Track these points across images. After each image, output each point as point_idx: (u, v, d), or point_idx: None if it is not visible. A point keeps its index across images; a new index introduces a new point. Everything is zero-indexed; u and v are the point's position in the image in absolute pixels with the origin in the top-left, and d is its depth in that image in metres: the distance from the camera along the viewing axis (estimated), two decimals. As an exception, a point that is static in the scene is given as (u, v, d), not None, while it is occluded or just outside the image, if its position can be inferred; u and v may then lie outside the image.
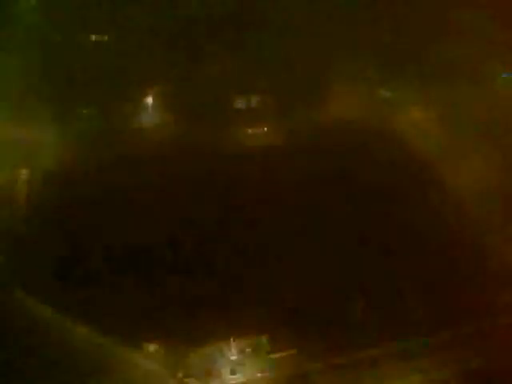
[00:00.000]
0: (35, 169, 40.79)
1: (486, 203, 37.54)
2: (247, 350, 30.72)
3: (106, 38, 48.12)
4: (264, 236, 35.02)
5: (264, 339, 31.13)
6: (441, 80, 45.74)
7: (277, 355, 30.53)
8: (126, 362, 29.86)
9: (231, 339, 30.76)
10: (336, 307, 31.79)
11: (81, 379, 28.75)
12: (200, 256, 33.74)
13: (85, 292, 31.08)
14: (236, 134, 45.10)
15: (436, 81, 45.88)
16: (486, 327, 31.59)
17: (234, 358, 30.42)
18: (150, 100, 46.89)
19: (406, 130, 43.69)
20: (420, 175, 40.60)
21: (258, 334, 31.06)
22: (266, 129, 46.04)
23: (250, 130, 45.68)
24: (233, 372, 30.00)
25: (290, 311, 31.29)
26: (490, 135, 40.98)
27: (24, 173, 40.51)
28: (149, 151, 42.28)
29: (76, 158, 42.02)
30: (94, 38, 47.86)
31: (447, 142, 42.32)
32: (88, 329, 30.35)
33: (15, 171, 40.43)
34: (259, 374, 30.09)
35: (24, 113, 43.93)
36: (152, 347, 30.47)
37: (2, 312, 30.53)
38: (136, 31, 47.19)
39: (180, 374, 29.81)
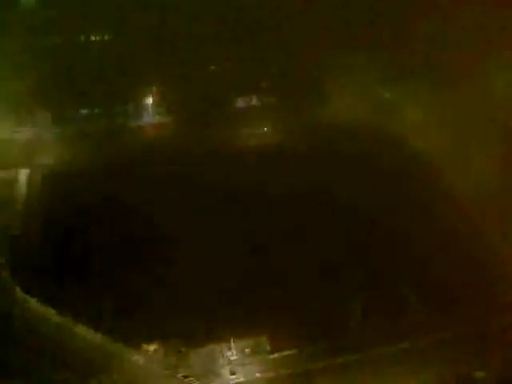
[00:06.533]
0: (35, 169, 41.41)
1: (487, 204, 38.00)
2: (247, 350, 30.97)
3: (106, 37, 49.33)
4: (263, 236, 35.06)
5: (264, 339, 31.60)
6: (441, 81, 47.24)
7: (277, 355, 30.98)
8: (125, 362, 30.21)
9: (231, 339, 31.23)
10: (336, 307, 32.36)
11: (81, 379, 29.16)
12: (200, 255, 33.75)
13: (84, 292, 31.47)
14: (236, 134, 46.17)
15: (437, 82, 47.39)
16: (486, 327, 32.08)
17: (234, 358, 30.65)
18: (149, 100, 47.98)
19: (406, 130, 44.69)
20: (421, 176, 41.04)
21: (257, 334, 31.44)
22: (265, 129, 47.06)
23: (250, 130, 46.83)
24: (233, 372, 30.19)
25: (290, 311, 31.77)
26: (489, 135, 41.80)
27: (24, 173, 41.37)
28: (148, 151, 42.67)
29: (76, 158, 42.44)
30: (94, 38, 49.02)
31: (447, 142, 43.17)
32: (88, 329, 30.83)
33: (15, 171, 41.07)
34: (259, 374, 30.46)
35: (24, 113, 45.06)
36: (152, 347, 30.96)
37: (2, 312, 30.92)
38: (136, 31, 48.60)
39: (180, 374, 30.27)
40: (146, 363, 29.93)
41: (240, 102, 46.71)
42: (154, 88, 46.43)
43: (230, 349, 30.37)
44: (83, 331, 30.21)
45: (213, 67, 47.53)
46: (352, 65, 45.37)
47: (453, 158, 41.02)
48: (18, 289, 31.82)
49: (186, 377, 29.72)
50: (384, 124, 44.19)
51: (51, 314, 30.71)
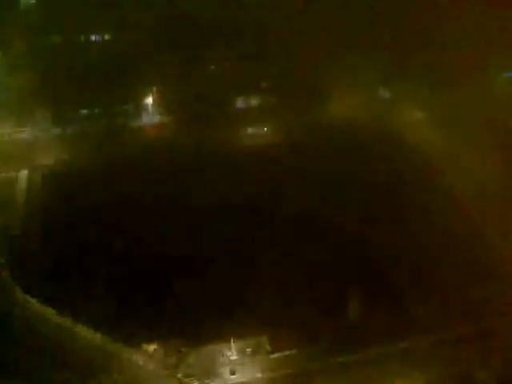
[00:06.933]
0: (35, 169, 41.26)
1: (487, 204, 37.82)
2: (247, 350, 30.82)
3: (106, 37, 49.40)
4: (263, 236, 34.91)
5: (264, 339, 31.54)
6: (441, 81, 47.21)
7: (277, 355, 30.92)
8: (125, 362, 30.10)
9: (231, 339, 31.05)
10: (336, 307, 32.33)
11: (81, 379, 29.15)
12: (200, 255, 33.70)
13: (84, 292, 31.35)
14: (236, 134, 45.98)
15: (436, 82, 47.38)
16: (486, 327, 32.15)
17: (234, 358, 30.52)
18: (149, 100, 47.93)
19: (406, 130, 44.49)
20: (420, 176, 40.83)
21: (257, 334, 31.29)
22: (265, 129, 47.03)
23: (250, 130, 46.80)
24: (233, 372, 30.04)
25: (290, 311, 31.58)
26: (489, 135, 41.76)
27: (24, 173, 41.21)
28: (148, 151, 42.39)
29: (76, 158, 42.28)
30: (94, 38, 49.06)
31: (447, 142, 43.15)
32: (88, 329, 30.82)
33: (15, 171, 40.87)
34: (259, 374, 30.34)
35: (24, 113, 45.10)
36: (152, 347, 30.89)
37: (2, 312, 30.91)
38: (136, 31, 48.63)
39: (180, 374, 30.26)
40: (146, 363, 30.07)
41: (240, 102, 46.91)
42: (154, 88, 46.81)
43: (229, 349, 30.35)
44: (83, 331, 30.22)
45: (213, 67, 47.77)
46: (352, 65, 45.63)
47: (453, 158, 41.16)
48: (17, 289, 31.86)
49: (186, 377, 30.02)
50: (384, 124, 44.45)
51: (51, 313, 30.71)
